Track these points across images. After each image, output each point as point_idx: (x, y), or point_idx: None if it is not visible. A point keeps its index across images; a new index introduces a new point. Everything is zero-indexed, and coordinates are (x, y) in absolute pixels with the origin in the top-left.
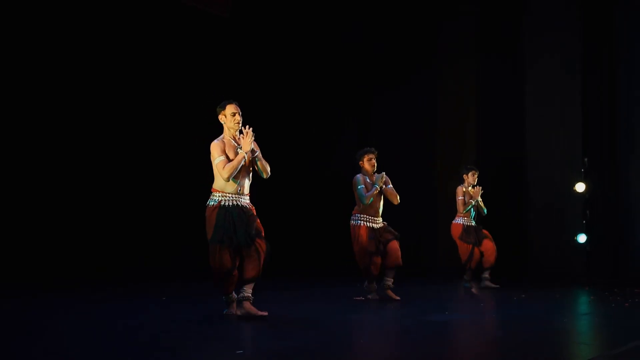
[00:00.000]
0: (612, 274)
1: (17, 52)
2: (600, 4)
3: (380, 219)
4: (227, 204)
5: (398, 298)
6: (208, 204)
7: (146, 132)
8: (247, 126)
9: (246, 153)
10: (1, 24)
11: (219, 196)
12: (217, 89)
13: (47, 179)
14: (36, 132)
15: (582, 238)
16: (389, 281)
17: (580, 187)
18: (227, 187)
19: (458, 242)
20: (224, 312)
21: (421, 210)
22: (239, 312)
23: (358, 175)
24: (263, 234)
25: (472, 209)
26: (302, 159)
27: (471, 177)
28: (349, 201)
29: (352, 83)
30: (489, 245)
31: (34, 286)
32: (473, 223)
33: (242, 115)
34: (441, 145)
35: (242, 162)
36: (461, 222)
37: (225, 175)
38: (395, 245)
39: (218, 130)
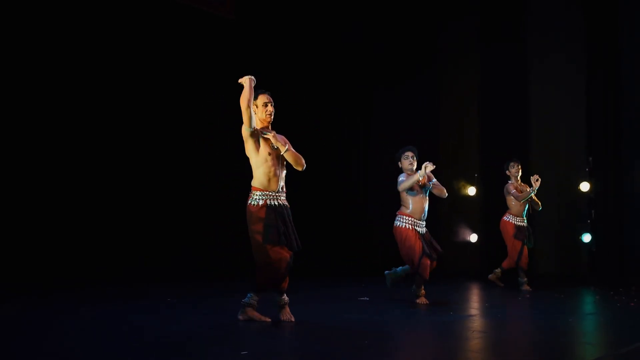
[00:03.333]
0: (617, 274)
1: (16, 51)
2: (604, 2)
3: (424, 223)
4: (272, 202)
5: (428, 302)
6: (251, 203)
7: (149, 132)
8: (273, 133)
9: (286, 150)
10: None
11: (261, 195)
12: (217, 89)
13: (49, 179)
14: (36, 132)
15: (587, 238)
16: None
17: (584, 186)
18: (271, 184)
19: (510, 240)
20: (281, 317)
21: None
22: (283, 318)
23: (402, 174)
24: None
25: (526, 207)
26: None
27: (514, 170)
28: (349, 202)
29: (353, 82)
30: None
31: (34, 286)
32: (525, 222)
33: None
34: (444, 144)
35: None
36: (512, 221)
37: (246, 118)
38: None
39: (219, 130)
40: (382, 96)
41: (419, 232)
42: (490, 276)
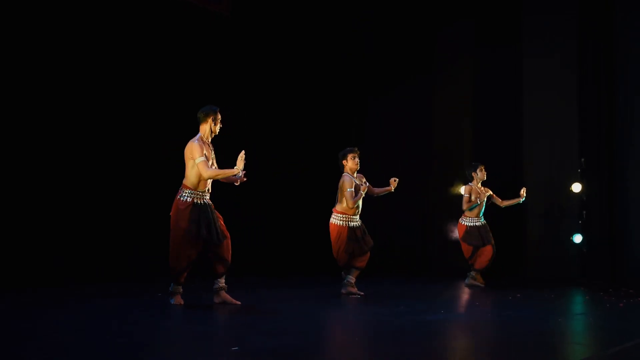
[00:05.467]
0: (607, 275)
1: (8, 50)
2: (598, 4)
3: (358, 217)
4: (199, 201)
5: (362, 293)
6: (180, 198)
7: (143, 131)
8: (243, 151)
9: (241, 171)
10: None
11: (191, 194)
12: (209, 89)
13: (41, 177)
14: (29, 131)
15: (578, 238)
16: (353, 279)
17: (576, 187)
18: (200, 185)
19: (461, 242)
20: (171, 302)
21: (418, 210)
22: (217, 301)
23: (347, 176)
24: (227, 233)
25: (483, 207)
26: (298, 161)
27: (480, 174)
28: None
29: (347, 84)
30: (488, 250)
31: (22, 287)
32: (480, 222)
33: (243, 117)
34: (438, 146)
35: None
36: (465, 223)
37: (206, 176)
38: (367, 254)
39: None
40: (376, 100)
41: (351, 228)
42: (466, 281)
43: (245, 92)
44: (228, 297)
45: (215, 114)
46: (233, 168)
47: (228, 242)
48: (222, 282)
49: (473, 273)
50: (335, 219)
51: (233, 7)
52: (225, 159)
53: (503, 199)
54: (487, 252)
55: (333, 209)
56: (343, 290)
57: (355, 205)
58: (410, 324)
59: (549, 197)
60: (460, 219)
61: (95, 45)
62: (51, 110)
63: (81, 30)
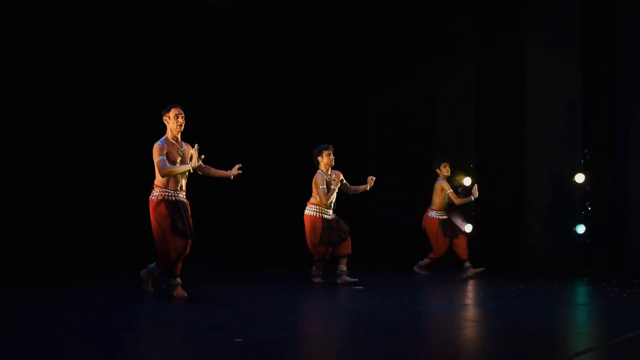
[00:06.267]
0: (610, 265)
1: (7, 50)
2: None
3: (332, 212)
4: (170, 198)
5: (356, 279)
6: (151, 198)
7: (141, 129)
8: (197, 145)
9: (192, 168)
10: None
11: (161, 192)
12: (209, 87)
13: (37, 173)
14: (28, 130)
15: (581, 229)
16: (344, 267)
17: (580, 178)
18: (169, 184)
19: (436, 236)
20: (174, 295)
21: (419, 207)
22: (176, 294)
23: (319, 173)
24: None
25: (446, 201)
26: (299, 161)
27: (445, 170)
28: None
29: (347, 86)
30: (462, 240)
31: (18, 283)
32: (446, 215)
33: (242, 117)
34: (440, 139)
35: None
36: (437, 217)
37: (162, 174)
38: (348, 240)
39: (219, 126)
40: (376, 98)
41: (325, 219)
42: (466, 274)
43: (245, 91)
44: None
45: (169, 111)
46: (188, 164)
47: (189, 243)
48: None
49: (466, 264)
50: (309, 210)
51: (234, 4)
52: (225, 159)
53: (505, 189)
54: (462, 240)
55: (307, 202)
56: (339, 281)
57: (329, 202)
58: (414, 315)
59: (552, 187)
60: (428, 213)
61: (94, 43)
62: (47, 109)
63: (77, 28)
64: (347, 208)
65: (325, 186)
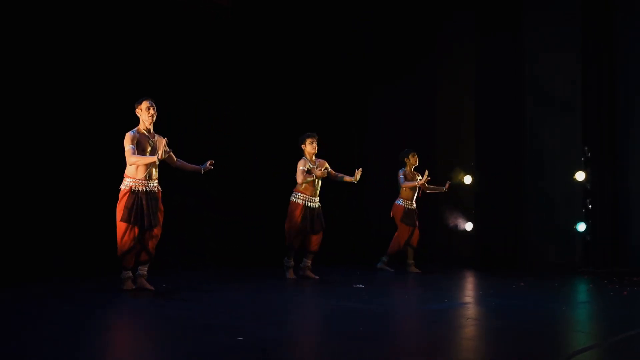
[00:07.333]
0: (611, 263)
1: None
2: None
3: (318, 199)
4: (137, 189)
5: (317, 277)
6: (120, 188)
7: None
8: (166, 139)
9: (158, 159)
10: None
11: (130, 181)
12: (208, 86)
13: (32, 171)
14: (27, 129)
15: (581, 227)
16: (309, 262)
17: (580, 175)
18: (138, 173)
19: (399, 223)
20: (123, 288)
21: (419, 203)
22: (133, 286)
23: (302, 159)
24: (161, 222)
25: (415, 192)
26: (299, 158)
27: (412, 159)
28: (347, 195)
29: (348, 86)
30: (417, 232)
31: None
32: (414, 206)
33: (243, 116)
34: (440, 138)
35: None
36: (402, 204)
37: (129, 162)
38: (319, 236)
39: (219, 126)
40: (377, 98)
41: (310, 207)
42: (410, 269)
43: (245, 91)
44: (146, 284)
45: (141, 103)
46: (154, 156)
47: (156, 234)
48: (143, 269)
49: (411, 261)
50: (295, 197)
51: (234, 3)
52: (225, 159)
53: (505, 186)
54: (416, 234)
55: (294, 189)
56: (301, 272)
57: (311, 185)
58: (414, 314)
59: (552, 185)
60: (396, 201)
61: (94, 41)
62: (48, 109)
63: (76, 26)
64: (347, 208)
65: (305, 168)
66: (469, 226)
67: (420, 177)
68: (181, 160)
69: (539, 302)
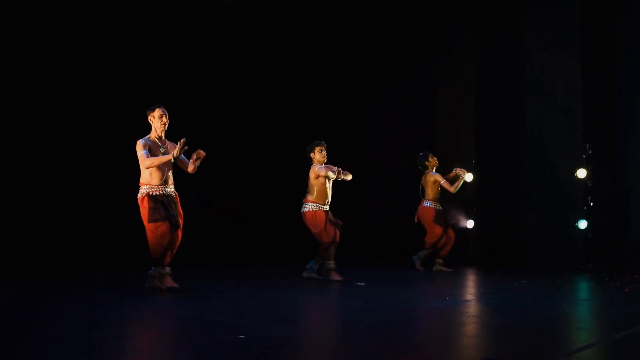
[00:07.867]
0: (612, 260)
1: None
2: None
3: (327, 207)
4: (154, 193)
5: (321, 277)
6: (137, 197)
7: (140, 127)
8: (184, 139)
9: (174, 158)
10: None
11: (146, 188)
12: (208, 86)
13: (34, 170)
14: (27, 128)
15: (582, 224)
16: (317, 265)
17: (581, 173)
18: (153, 179)
19: (429, 224)
20: (165, 285)
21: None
22: (163, 287)
23: (316, 164)
24: (181, 225)
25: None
26: (299, 161)
27: (433, 161)
28: (346, 195)
29: (348, 86)
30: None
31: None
32: (441, 207)
33: (243, 117)
34: (440, 138)
35: (166, 161)
36: (432, 206)
37: (145, 165)
38: (338, 234)
39: (219, 126)
40: (377, 98)
41: (326, 211)
42: (434, 267)
43: (246, 91)
44: (173, 283)
45: (154, 110)
46: (169, 155)
47: (179, 236)
48: (168, 269)
49: (440, 261)
50: (307, 207)
51: (234, 2)
52: (225, 159)
53: (506, 184)
54: (451, 233)
55: (303, 200)
56: (308, 274)
57: (324, 193)
58: (416, 311)
59: (553, 183)
60: (425, 203)
61: (94, 41)
62: (48, 109)
63: (76, 26)
64: (347, 207)
65: (325, 171)
66: (470, 224)
67: (443, 180)
68: (187, 160)
69: (540, 299)
